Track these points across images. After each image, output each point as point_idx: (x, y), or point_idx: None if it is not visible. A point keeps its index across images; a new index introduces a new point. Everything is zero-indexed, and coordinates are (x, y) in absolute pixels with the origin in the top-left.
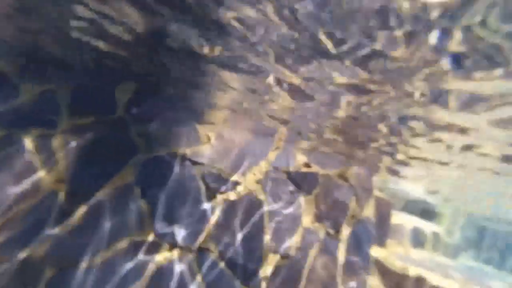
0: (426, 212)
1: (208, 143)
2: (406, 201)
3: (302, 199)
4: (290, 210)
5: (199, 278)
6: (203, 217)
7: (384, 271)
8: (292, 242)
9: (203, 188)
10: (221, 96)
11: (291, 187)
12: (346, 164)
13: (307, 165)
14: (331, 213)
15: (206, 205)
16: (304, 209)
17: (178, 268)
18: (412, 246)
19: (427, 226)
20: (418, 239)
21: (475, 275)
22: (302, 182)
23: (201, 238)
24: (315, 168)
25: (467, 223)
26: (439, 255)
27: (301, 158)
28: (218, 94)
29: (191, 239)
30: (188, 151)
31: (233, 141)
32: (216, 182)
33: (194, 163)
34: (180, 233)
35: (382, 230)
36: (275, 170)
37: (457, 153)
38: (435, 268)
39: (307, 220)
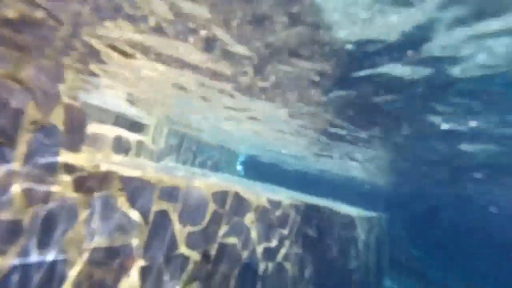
0: (135, 125)
1: None
2: (116, 116)
3: None
4: None
5: None
6: None
7: (74, 171)
8: None
9: None
10: None
11: None
12: (19, 64)
13: None
14: None
15: None
16: None
17: None
18: (114, 153)
19: (132, 136)
20: (121, 147)
21: (168, 170)
22: None
23: None
24: None
25: (170, 132)
26: (143, 160)
27: None
28: None
29: None
30: None
31: None
32: None
33: None
34: None
35: (75, 137)
36: None
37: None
38: (134, 167)
39: None
